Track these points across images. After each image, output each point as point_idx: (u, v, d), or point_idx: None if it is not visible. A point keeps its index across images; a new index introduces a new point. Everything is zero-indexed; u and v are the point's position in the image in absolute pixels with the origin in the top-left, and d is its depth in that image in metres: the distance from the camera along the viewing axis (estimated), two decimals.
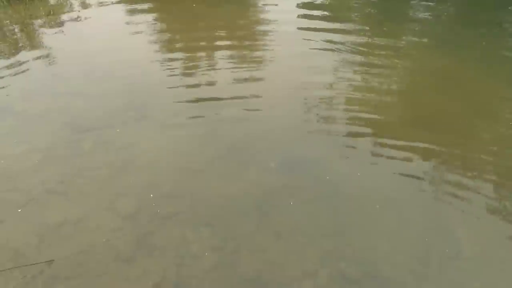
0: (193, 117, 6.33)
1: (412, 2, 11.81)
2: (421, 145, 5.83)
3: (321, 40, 8.99)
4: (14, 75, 7.53)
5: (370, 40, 9.10)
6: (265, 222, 4.65)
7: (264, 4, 11.46)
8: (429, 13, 10.91)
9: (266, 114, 6.40)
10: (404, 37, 9.49)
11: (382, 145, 5.80)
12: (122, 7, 11.36)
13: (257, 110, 6.52)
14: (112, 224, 4.58)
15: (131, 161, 5.43)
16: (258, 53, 8.50)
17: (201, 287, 4.01)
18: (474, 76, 7.69)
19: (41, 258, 4.23)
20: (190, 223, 4.61)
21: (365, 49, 8.56)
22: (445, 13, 11.26)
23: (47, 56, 8.26)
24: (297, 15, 10.48)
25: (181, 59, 8.23)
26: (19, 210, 4.75)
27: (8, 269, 4.07)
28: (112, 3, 11.65)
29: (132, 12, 10.73)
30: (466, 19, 10.69)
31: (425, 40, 9.50)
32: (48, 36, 9.19)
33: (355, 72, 7.61)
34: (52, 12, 10.65)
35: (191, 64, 8.03)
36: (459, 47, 8.87)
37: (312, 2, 11.59)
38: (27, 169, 5.31)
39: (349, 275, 4.15)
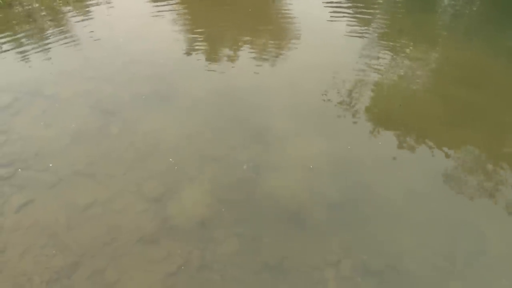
0: (218, 104, 6.35)
1: None
2: (449, 139, 5.70)
3: (348, 28, 8.83)
4: (44, 60, 7.70)
5: (398, 30, 8.89)
6: (288, 210, 4.68)
7: None
8: (460, 4, 10.57)
9: (291, 101, 6.37)
10: (433, 28, 9.20)
11: (409, 138, 5.69)
12: None
13: (283, 97, 6.48)
14: (138, 206, 4.68)
15: (156, 145, 5.51)
16: (283, 42, 8.42)
17: (224, 271, 4.08)
18: (505, 70, 7.42)
19: (69, 237, 4.38)
20: (213, 208, 4.68)
21: (393, 39, 8.37)
22: (477, 4, 10.87)
23: (76, 41, 8.40)
24: (323, 1, 10.34)
25: (206, 46, 8.24)
26: (49, 190, 4.91)
27: None
28: None
29: None
30: (497, 11, 10.28)
31: (454, 31, 9.21)
32: (77, 21, 9.34)
33: (382, 62, 7.44)
34: None
35: (216, 50, 8.04)
36: (489, 39, 8.55)
37: None
38: (56, 151, 5.47)
39: (372, 267, 4.14)
